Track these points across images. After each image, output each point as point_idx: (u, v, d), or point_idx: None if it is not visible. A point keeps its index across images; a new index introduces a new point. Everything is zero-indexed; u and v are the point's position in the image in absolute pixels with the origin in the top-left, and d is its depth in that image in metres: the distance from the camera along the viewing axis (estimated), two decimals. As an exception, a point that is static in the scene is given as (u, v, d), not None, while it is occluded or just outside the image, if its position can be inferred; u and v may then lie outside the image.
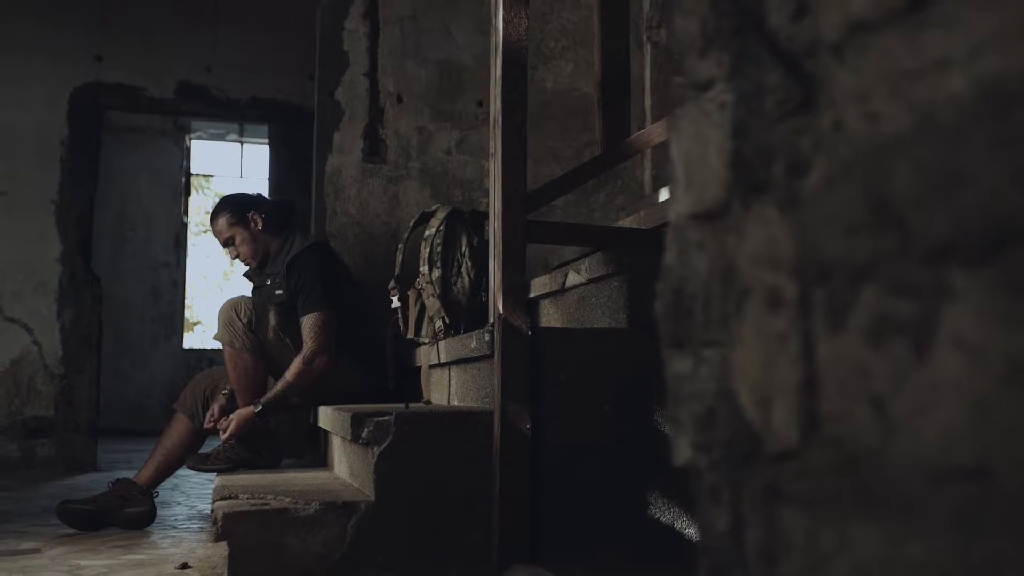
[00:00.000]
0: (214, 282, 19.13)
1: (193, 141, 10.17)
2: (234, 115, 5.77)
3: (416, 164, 3.70)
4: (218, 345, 3.17)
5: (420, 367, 3.03)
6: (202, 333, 18.01)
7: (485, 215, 3.01)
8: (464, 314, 2.84)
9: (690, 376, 0.74)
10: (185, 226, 10.11)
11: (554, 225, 2.35)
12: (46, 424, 5.19)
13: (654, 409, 2.22)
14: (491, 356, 2.21)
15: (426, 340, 2.88)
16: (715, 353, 0.70)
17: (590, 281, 2.45)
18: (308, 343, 2.95)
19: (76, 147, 5.40)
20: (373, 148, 3.64)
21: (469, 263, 2.87)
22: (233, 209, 3.22)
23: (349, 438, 2.16)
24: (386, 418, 2.10)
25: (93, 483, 4.50)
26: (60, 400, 5.21)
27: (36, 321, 5.24)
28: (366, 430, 2.10)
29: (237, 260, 3.19)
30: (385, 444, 2.08)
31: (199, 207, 17.30)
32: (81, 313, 5.32)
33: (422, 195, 3.69)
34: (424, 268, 2.87)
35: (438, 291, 2.83)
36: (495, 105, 2.22)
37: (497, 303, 2.13)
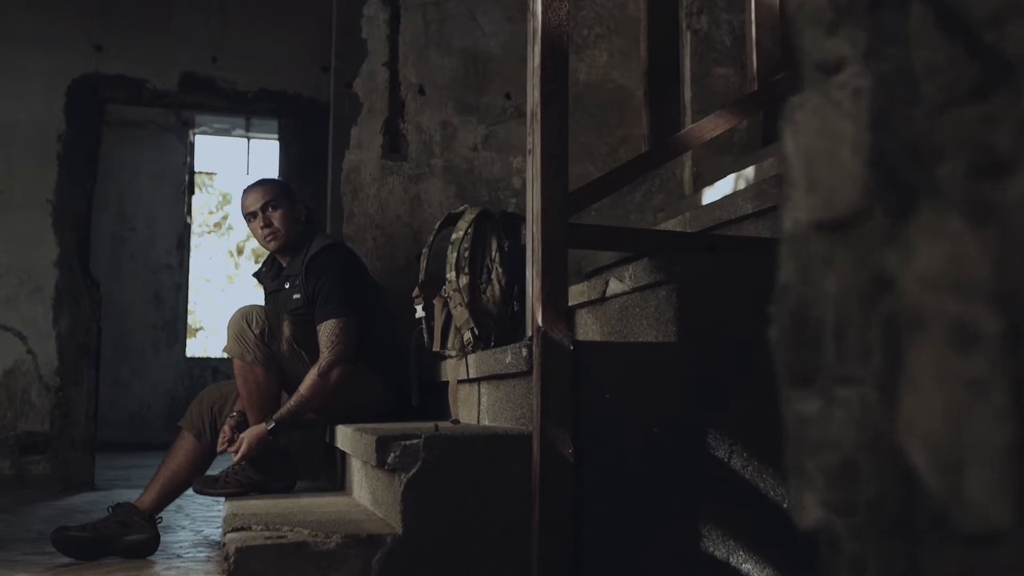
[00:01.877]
0: (218, 285, 19.15)
1: (197, 137, 10.14)
2: (241, 108, 5.71)
3: (439, 161, 3.61)
4: (223, 353, 3.09)
5: (446, 382, 2.94)
6: (205, 339, 18.03)
7: (516, 217, 2.93)
8: (495, 325, 2.76)
9: (819, 419, 0.65)
10: (188, 226, 10.07)
11: (598, 229, 2.26)
12: (41, 440, 5.14)
13: (708, 431, 2.13)
14: (528, 373, 2.12)
15: (453, 353, 2.80)
16: (854, 392, 0.61)
17: (634, 290, 2.35)
18: (325, 353, 2.87)
19: (74, 143, 5.35)
20: (393, 144, 3.56)
21: (500, 269, 2.79)
22: (285, 187, 3.19)
23: (373, 463, 2.07)
24: (414, 442, 2.01)
25: (91, 504, 4.44)
26: (56, 414, 5.16)
27: (30, 329, 5.19)
28: (392, 455, 2.01)
29: (265, 231, 3.06)
30: (413, 471, 1.99)
31: (203, 206, 17.34)
32: (79, 320, 5.26)
33: (446, 195, 3.61)
34: (451, 275, 2.79)
35: (466, 300, 2.75)
36: (533, 97, 2.14)
37: (536, 315, 2.05)
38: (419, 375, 3.02)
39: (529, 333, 2.10)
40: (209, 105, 5.79)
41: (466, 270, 2.79)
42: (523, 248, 2.87)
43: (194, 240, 10.63)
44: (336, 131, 3.54)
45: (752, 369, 2.18)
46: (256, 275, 3.28)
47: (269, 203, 3.06)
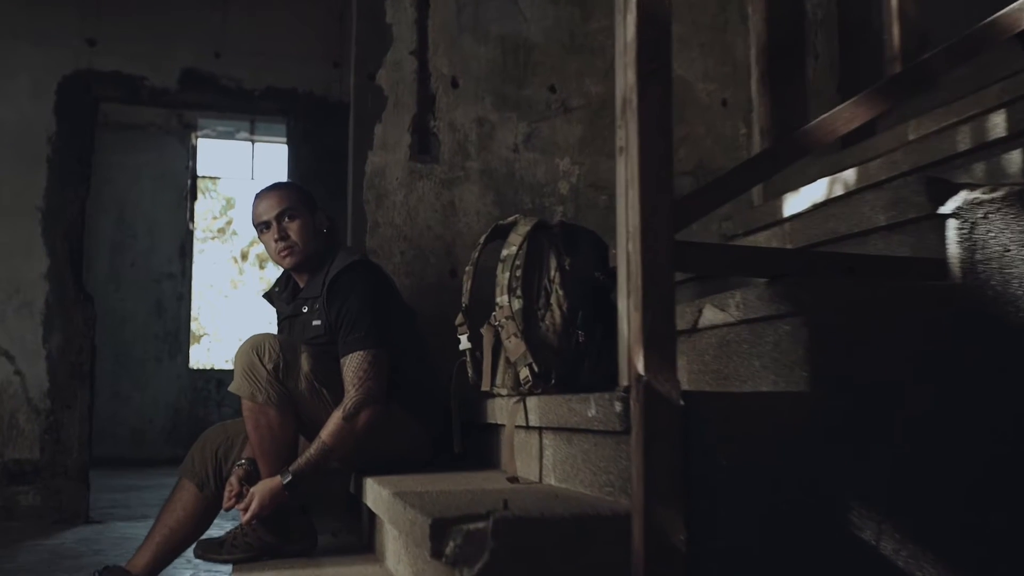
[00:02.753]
0: (221, 291, 18.63)
1: (200, 140, 9.66)
2: (247, 107, 5.23)
3: (476, 164, 3.13)
4: (229, 363, 2.61)
5: (493, 424, 2.46)
6: (208, 345, 17.53)
7: (578, 230, 2.44)
8: (555, 359, 2.27)
9: None
10: (191, 233, 9.61)
11: (716, 248, 1.77)
12: (30, 468, 4.67)
13: (850, 507, 1.65)
14: (620, 432, 1.64)
15: (504, 392, 2.32)
16: None
17: (743, 321, 1.87)
18: (351, 392, 2.38)
19: (66, 145, 4.89)
20: (423, 144, 3.08)
21: (560, 292, 2.30)
22: (304, 193, 2.68)
23: (427, 553, 1.59)
24: (479, 526, 1.53)
25: (83, 543, 3.96)
26: (46, 440, 4.69)
27: (18, 348, 4.73)
28: (451, 544, 1.53)
29: (279, 245, 2.55)
30: (480, 565, 1.51)
31: (206, 211, 16.84)
32: (71, 338, 4.79)
33: (483, 202, 3.12)
34: (502, 298, 2.30)
35: (521, 328, 2.26)
36: (625, 80, 1.66)
37: (635, 360, 1.57)
38: (461, 416, 2.54)
39: (624, 382, 1.62)
40: (212, 104, 5.31)
41: (519, 293, 2.31)
42: (587, 266, 2.39)
43: (197, 246, 10.15)
44: (357, 129, 3.05)
45: (904, 428, 1.70)
46: (267, 296, 2.78)
47: (286, 212, 2.57)
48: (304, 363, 2.40)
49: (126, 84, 5.02)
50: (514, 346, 2.26)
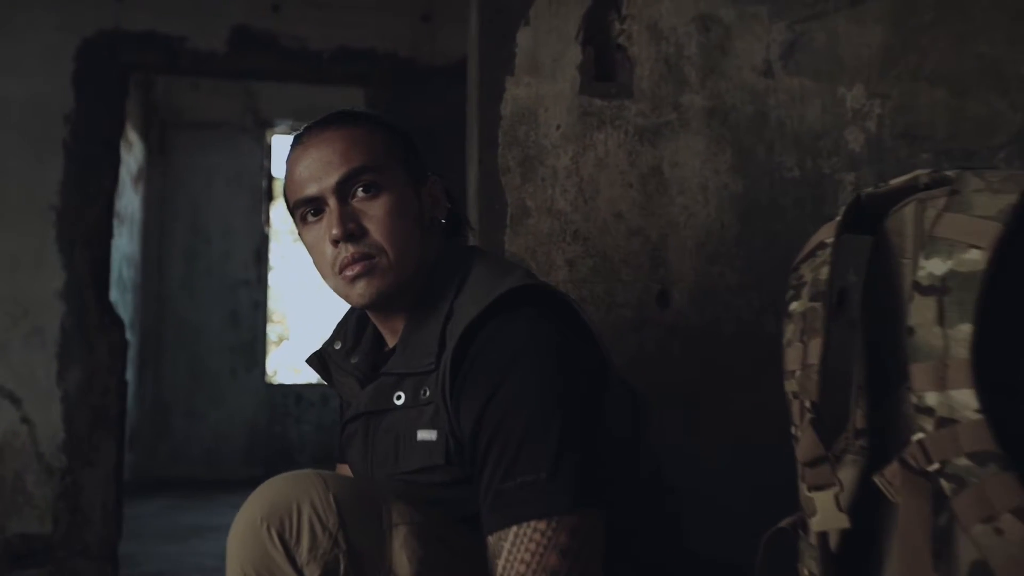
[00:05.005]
0: (306, 284, 17.20)
1: (275, 137, 8.35)
2: (314, 73, 3.78)
3: (699, 98, 1.58)
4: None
5: None
6: (290, 349, 16.19)
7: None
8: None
9: None
10: (267, 237, 8.29)
11: None
12: (40, 546, 3.28)
13: None
14: None
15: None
16: None
17: None
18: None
19: (88, 126, 3.51)
20: (604, 64, 1.55)
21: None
22: (397, 137, 1.14)
23: None
24: None
25: None
26: (60, 508, 3.30)
27: (26, 387, 3.35)
28: None
29: (347, 253, 1.00)
30: None
31: (285, 215, 15.56)
32: (94, 374, 3.39)
33: (713, 166, 1.57)
34: (954, 397, 0.76)
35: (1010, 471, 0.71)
36: None
37: None
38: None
39: None
40: (270, 71, 3.87)
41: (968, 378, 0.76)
42: None
43: (274, 250, 8.82)
44: (486, 37, 1.53)
45: None
46: (318, 363, 1.19)
47: (358, 175, 1.00)
48: (398, 549, 0.86)
49: (163, 47, 3.62)
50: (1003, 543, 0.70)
